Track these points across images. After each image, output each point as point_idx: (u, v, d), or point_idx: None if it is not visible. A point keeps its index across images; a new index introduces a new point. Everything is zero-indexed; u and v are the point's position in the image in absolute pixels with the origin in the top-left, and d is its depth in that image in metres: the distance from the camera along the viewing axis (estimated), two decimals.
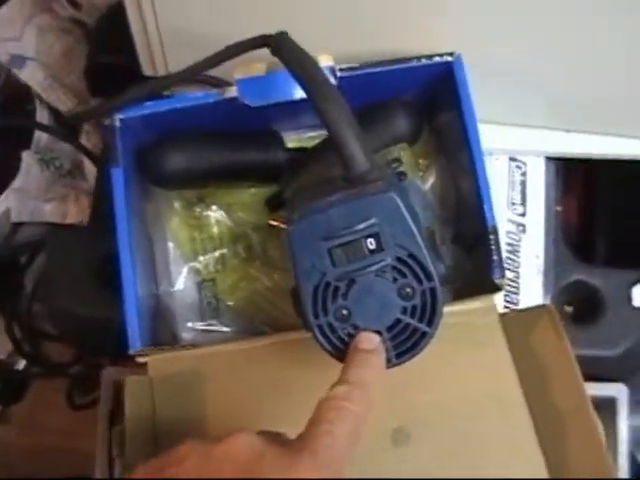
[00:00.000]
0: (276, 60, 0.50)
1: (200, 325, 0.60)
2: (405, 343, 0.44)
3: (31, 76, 0.82)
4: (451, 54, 0.56)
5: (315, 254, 0.43)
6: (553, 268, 0.67)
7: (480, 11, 0.57)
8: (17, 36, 0.83)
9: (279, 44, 0.48)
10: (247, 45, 0.51)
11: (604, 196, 0.73)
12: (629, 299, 0.67)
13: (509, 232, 0.66)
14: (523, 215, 0.67)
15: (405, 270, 0.43)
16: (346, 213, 0.43)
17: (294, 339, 0.53)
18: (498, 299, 0.54)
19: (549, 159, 0.69)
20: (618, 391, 0.65)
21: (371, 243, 0.43)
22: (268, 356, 0.53)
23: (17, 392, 0.85)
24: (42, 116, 0.83)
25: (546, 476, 0.47)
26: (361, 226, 0.43)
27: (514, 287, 0.65)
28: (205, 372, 0.52)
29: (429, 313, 0.44)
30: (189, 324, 0.60)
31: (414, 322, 0.44)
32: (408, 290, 0.44)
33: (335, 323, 0.44)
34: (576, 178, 0.73)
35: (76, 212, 0.80)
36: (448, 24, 0.58)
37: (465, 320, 0.52)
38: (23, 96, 0.85)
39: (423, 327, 0.44)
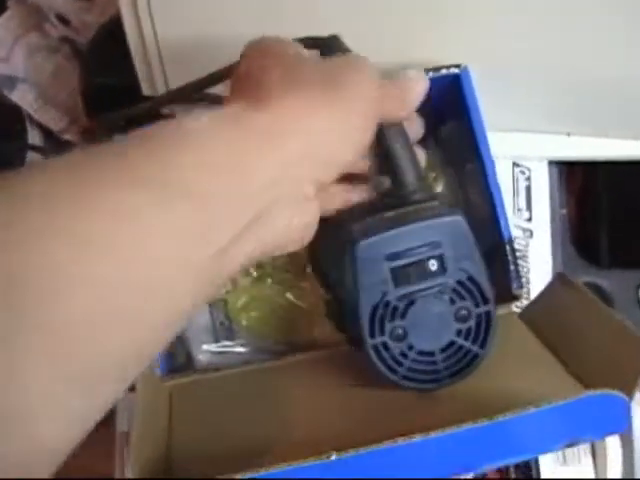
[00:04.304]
0: None
1: (215, 347, 0.60)
2: (457, 364, 0.45)
3: (22, 97, 0.82)
4: (458, 66, 0.55)
5: (378, 273, 0.43)
6: (562, 271, 0.67)
7: (483, 20, 0.57)
8: (5, 57, 0.83)
9: (331, 46, 0.46)
10: None
11: (606, 198, 0.73)
12: (637, 299, 0.67)
13: (517, 238, 0.66)
14: (529, 220, 0.67)
15: (464, 293, 0.44)
16: (413, 233, 0.43)
17: (311, 359, 0.55)
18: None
19: (552, 163, 0.69)
20: None
21: (433, 264, 0.43)
22: (286, 375, 0.53)
23: None
24: (33, 137, 0.83)
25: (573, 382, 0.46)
26: (426, 247, 0.43)
27: (524, 291, 0.65)
28: (223, 391, 0.53)
29: (483, 336, 0.45)
30: (204, 346, 0.59)
31: (468, 344, 0.45)
32: (464, 312, 0.44)
33: (390, 342, 0.44)
34: (578, 181, 0.73)
35: None
36: (453, 34, 0.58)
37: None
38: (14, 117, 0.84)
39: (476, 349, 0.45)
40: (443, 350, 0.45)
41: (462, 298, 0.44)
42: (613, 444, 0.63)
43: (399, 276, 0.43)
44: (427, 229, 0.43)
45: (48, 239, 0.26)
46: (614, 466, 0.63)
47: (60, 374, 0.26)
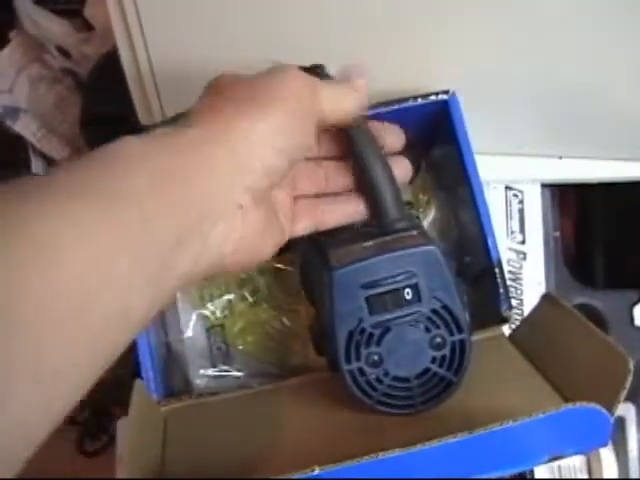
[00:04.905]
0: None
1: (212, 371, 0.60)
2: (432, 391, 0.45)
3: (25, 127, 0.83)
4: (446, 92, 0.56)
5: (354, 301, 0.44)
6: (555, 293, 0.67)
7: (475, 45, 0.58)
8: (9, 88, 0.83)
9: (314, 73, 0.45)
10: None
11: (599, 219, 0.73)
12: (631, 319, 0.67)
13: (510, 260, 0.67)
14: (523, 243, 0.68)
15: (438, 321, 0.45)
16: (387, 263, 0.44)
17: (304, 382, 0.54)
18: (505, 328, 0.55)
19: (544, 186, 0.69)
20: (626, 410, 0.65)
21: (408, 293, 0.44)
22: (282, 399, 0.53)
23: None
24: (37, 166, 0.84)
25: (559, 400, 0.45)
26: (401, 277, 0.44)
27: (518, 314, 0.65)
28: (217, 415, 0.52)
29: (457, 364, 0.45)
30: (201, 371, 0.59)
31: (442, 371, 0.45)
32: (439, 340, 0.45)
33: (366, 368, 0.45)
34: (571, 203, 0.73)
35: None
36: (444, 60, 0.59)
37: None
38: (16, 147, 0.85)
39: (450, 376, 0.45)
40: (418, 377, 0.45)
41: (437, 326, 0.45)
42: (608, 462, 0.63)
43: (375, 304, 0.44)
44: (402, 259, 0.44)
45: (14, 246, 0.28)
46: None
47: (30, 373, 0.27)
